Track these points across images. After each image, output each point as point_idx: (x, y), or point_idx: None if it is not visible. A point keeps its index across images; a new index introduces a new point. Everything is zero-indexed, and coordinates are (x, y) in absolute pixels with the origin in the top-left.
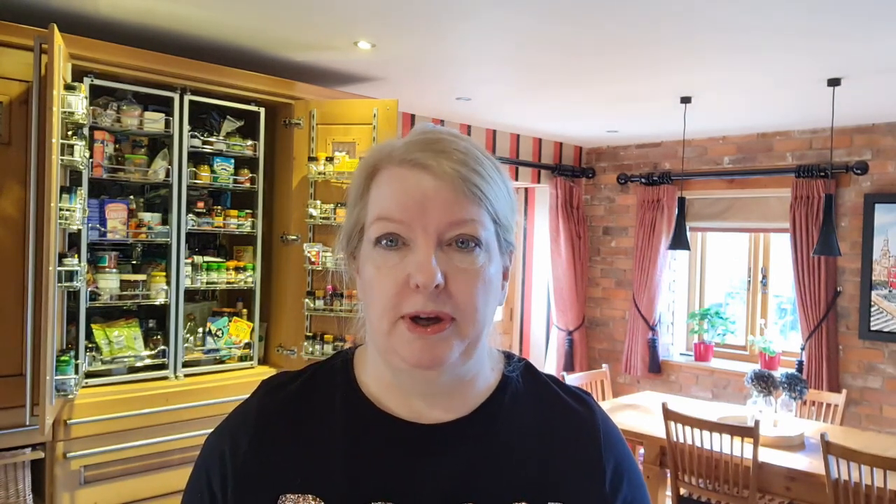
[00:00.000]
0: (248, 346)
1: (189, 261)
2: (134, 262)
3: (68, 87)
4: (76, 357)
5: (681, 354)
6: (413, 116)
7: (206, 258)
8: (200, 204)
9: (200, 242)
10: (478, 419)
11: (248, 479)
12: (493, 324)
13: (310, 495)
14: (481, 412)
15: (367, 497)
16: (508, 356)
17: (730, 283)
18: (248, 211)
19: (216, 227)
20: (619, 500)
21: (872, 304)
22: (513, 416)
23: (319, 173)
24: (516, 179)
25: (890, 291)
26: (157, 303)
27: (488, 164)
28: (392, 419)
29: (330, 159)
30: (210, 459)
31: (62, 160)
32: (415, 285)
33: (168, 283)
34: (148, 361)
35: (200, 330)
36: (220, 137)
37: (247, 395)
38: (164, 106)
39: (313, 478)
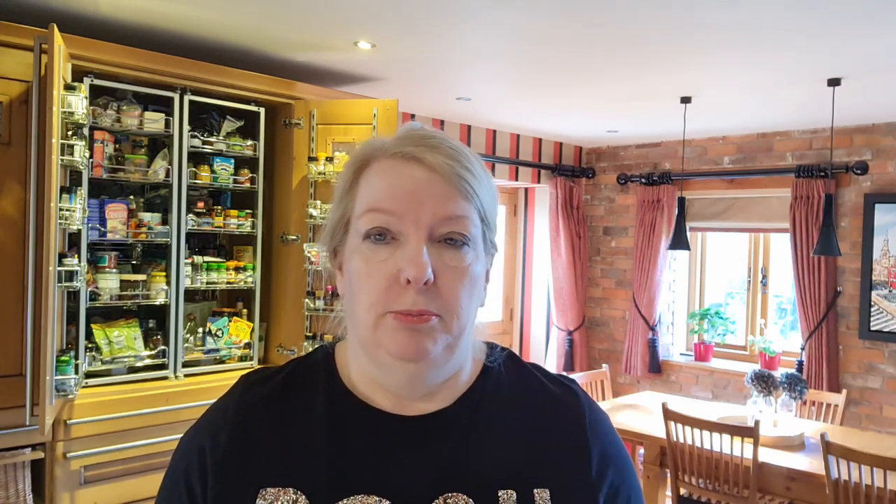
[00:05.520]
0: (248, 346)
1: (189, 261)
2: (134, 262)
3: (68, 87)
4: (76, 357)
5: (681, 354)
6: (413, 116)
7: (206, 258)
8: (200, 204)
9: (200, 242)
10: (461, 409)
11: (229, 473)
12: (483, 323)
13: (290, 488)
14: (464, 402)
15: (349, 489)
16: (491, 347)
17: (730, 283)
18: (248, 211)
19: (216, 227)
20: (605, 486)
21: (872, 304)
22: (496, 405)
23: (319, 173)
24: (516, 179)
25: (890, 291)
26: (157, 303)
27: (476, 163)
28: (375, 411)
29: (330, 159)
30: (188, 455)
31: (62, 160)
32: (405, 280)
33: (168, 283)
34: (148, 361)
35: (200, 330)
36: (220, 137)
37: None
38: (164, 106)
39: (295, 471)
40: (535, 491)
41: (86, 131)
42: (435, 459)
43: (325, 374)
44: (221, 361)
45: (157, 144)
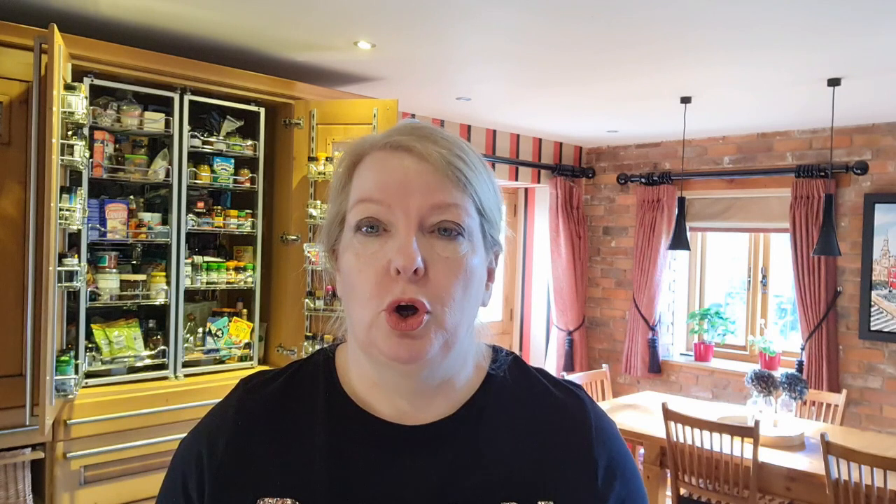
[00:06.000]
0: (248, 346)
1: (189, 261)
2: (134, 262)
3: (68, 87)
4: (76, 357)
5: (681, 354)
6: (413, 116)
7: (206, 258)
8: (200, 204)
9: (200, 242)
10: (463, 418)
11: (226, 481)
12: (485, 324)
13: (289, 499)
14: (466, 411)
15: (348, 500)
16: (496, 350)
17: (730, 283)
18: (248, 211)
19: (216, 227)
20: (612, 497)
21: (872, 304)
22: (499, 413)
23: (319, 173)
24: (516, 179)
25: (890, 291)
26: (157, 303)
27: (473, 155)
28: (375, 420)
29: (330, 159)
30: (186, 462)
31: (62, 160)
32: (395, 270)
33: (168, 283)
34: (148, 361)
35: (200, 330)
36: (220, 137)
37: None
38: (164, 106)
39: (293, 480)
40: (539, 503)
41: (86, 131)
42: (436, 470)
43: (325, 380)
44: (221, 361)
45: (157, 144)
